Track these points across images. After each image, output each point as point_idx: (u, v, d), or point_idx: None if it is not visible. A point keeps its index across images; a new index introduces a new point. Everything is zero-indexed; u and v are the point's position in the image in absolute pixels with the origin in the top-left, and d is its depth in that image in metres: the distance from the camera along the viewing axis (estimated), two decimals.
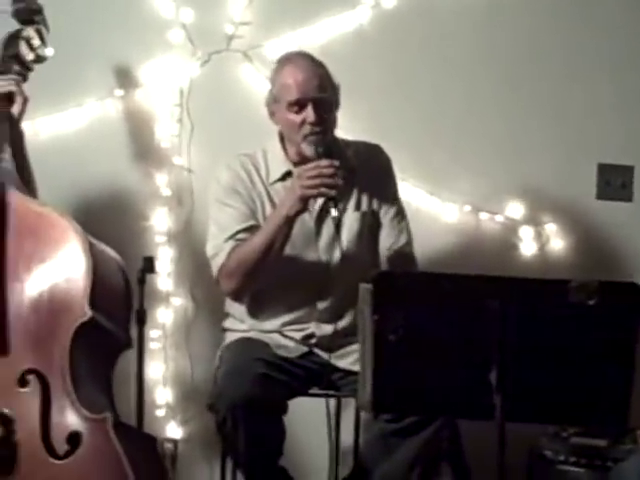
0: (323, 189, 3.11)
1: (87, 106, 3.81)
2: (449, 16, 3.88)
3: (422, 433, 3.07)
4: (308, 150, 3.21)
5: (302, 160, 3.25)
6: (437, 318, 2.50)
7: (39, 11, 3.40)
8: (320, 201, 3.26)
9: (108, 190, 3.83)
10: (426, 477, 3.12)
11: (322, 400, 3.26)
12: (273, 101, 3.29)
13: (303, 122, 3.22)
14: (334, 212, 3.14)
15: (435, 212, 3.89)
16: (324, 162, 3.13)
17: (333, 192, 3.12)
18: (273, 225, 3.17)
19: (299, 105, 3.22)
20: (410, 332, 2.47)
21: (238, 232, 3.24)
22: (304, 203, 3.15)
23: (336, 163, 3.13)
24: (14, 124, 3.24)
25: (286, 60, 3.31)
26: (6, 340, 2.97)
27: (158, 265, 3.50)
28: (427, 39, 3.89)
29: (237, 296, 3.29)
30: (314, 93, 3.22)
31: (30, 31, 3.35)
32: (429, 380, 2.51)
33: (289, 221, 3.16)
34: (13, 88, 3.22)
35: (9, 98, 3.22)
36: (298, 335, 3.28)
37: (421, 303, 2.50)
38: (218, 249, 3.25)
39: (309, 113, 3.21)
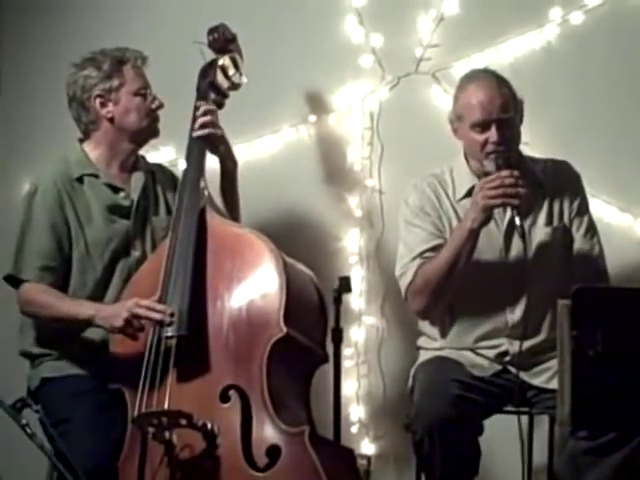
0: (505, 198, 3.13)
1: (282, 132, 3.94)
2: (637, 31, 3.83)
3: (618, 453, 3.03)
4: (489, 166, 3.23)
5: (484, 175, 3.25)
6: (636, 333, 2.47)
7: (233, 40, 3.53)
8: (508, 215, 3.26)
9: (302, 212, 3.93)
10: None
11: (515, 418, 3.24)
12: (456, 118, 3.32)
13: (486, 142, 3.24)
14: (518, 221, 3.14)
15: (627, 228, 3.84)
16: (504, 173, 3.15)
17: (515, 201, 3.13)
18: (458, 240, 3.19)
19: (482, 126, 3.24)
20: (609, 348, 2.46)
21: (425, 251, 3.27)
22: (487, 214, 3.17)
23: (516, 173, 3.14)
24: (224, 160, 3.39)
25: (470, 78, 3.33)
26: (208, 357, 3.07)
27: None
28: (614, 54, 3.85)
29: (426, 314, 3.32)
30: (497, 114, 3.23)
31: (225, 60, 3.48)
32: (628, 396, 2.48)
33: (474, 234, 3.17)
34: (206, 133, 3.34)
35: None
36: (492, 353, 3.28)
37: (620, 319, 2.48)
38: (405, 268, 3.29)
39: (492, 134, 3.22)
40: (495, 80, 3.30)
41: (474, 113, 3.24)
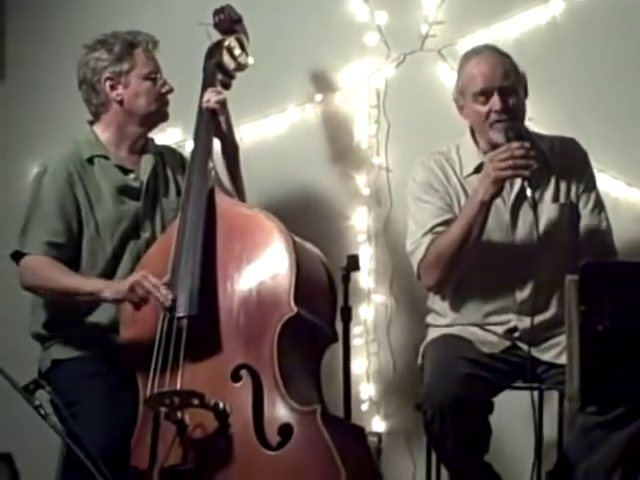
0: (516, 170, 3.13)
1: (288, 112, 3.94)
2: None
3: (628, 427, 3.05)
4: (497, 137, 3.24)
5: (493, 149, 3.26)
6: None
7: (239, 21, 3.54)
8: (515, 191, 3.27)
9: (310, 191, 3.94)
10: (630, 473, 3.09)
11: (524, 394, 3.25)
12: (460, 94, 3.33)
13: (490, 112, 3.25)
14: (529, 192, 3.15)
15: (634, 202, 3.83)
16: (515, 144, 3.15)
17: (526, 172, 3.13)
18: (469, 212, 3.20)
19: (485, 95, 3.25)
20: (617, 322, 2.46)
21: (435, 226, 3.28)
22: (498, 186, 3.17)
23: (527, 144, 3.14)
24: (225, 136, 3.38)
25: (471, 54, 3.35)
26: (219, 337, 3.09)
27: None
28: (620, 29, 3.84)
29: (439, 289, 3.33)
30: (499, 82, 3.24)
31: (231, 40, 3.49)
32: (637, 371, 2.49)
33: (485, 206, 3.18)
34: (216, 106, 3.35)
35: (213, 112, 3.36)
36: (500, 329, 3.29)
37: (628, 293, 2.48)
38: (417, 244, 3.29)
39: (495, 101, 3.23)
40: (495, 52, 3.33)
41: (476, 83, 3.26)
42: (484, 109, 3.25)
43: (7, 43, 4.15)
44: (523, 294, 3.28)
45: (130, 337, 3.18)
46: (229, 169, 3.42)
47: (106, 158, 3.35)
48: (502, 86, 3.24)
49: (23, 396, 2.76)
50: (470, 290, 3.31)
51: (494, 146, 3.24)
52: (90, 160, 3.34)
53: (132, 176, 3.37)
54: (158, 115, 3.39)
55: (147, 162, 3.40)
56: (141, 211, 3.35)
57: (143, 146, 3.42)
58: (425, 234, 3.28)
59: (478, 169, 3.31)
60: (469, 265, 3.25)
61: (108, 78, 3.34)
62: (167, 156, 3.48)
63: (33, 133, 4.05)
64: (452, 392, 3.06)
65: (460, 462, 3.20)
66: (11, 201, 3.93)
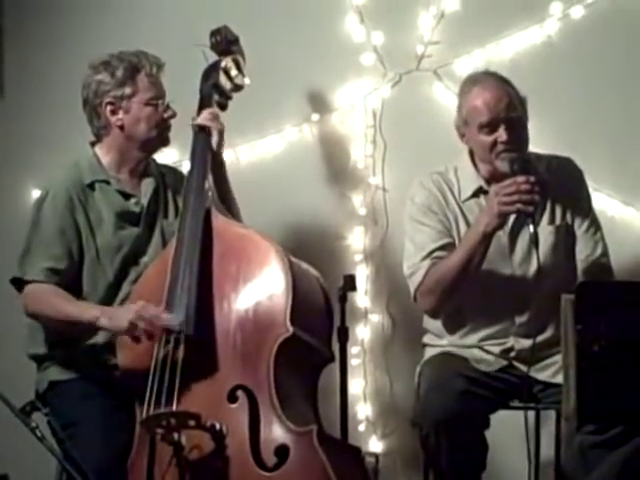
0: (521, 205, 3.13)
1: (285, 132, 3.95)
2: (637, 25, 3.83)
3: (625, 446, 3.04)
4: (503, 166, 3.23)
5: (495, 177, 3.27)
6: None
7: (235, 42, 3.54)
8: (513, 216, 3.27)
9: (306, 211, 3.95)
10: None
11: (521, 413, 3.25)
12: (463, 124, 3.31)
13: (495, 143, 3.24)
14: (531, 229, 3.15)
15: (630, 221, 3.84)
16: (521, 178, 3.14)
17: (531, 208, 3.14)
18: (471, 243, 3.20)
19: (490, 127, 3.24)
20: (613, 341, 2.47)
21: (434, 250, 3.28)
22: (502, 220, 3.17)
23: (532, 179, 3.14)
24: (214, 155, 3.38)
25: (473, 81, 3.33)
26: (216, 358, 3.08)
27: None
28: (615, 48, 3.85)
29: (436, 313, 3.33)
30: (505, 113, 3.23)
31: (228, 61, 3.49)
32: (634, 390, 2.49)
33: (487, 238, 3.18)
34: (209, 123, 3.35)
35: (207, 130, 3.36)
36: (497, 349, 3.29)
37: (624, 312, 2.49)
38: (415, 268, 3.29)
39: (501, 133, 3.23)
40: (498, 80, 3.31)
41: (481, 114, 3.24)
42: (489, 139, 3.24)
43: (5, 61, 4.16)
44: (522, 318, 3.29)
45: (126, 358, 3.17)
46: (218, 186, 3.41)
47: (107, 183, 3.34)
48: (508, 117, 3.23)
49: (20, 418, 2.76)
50: (468, 315, 3.32)
51: (498, 175, 3.24)
52: (91, 185, 3.33)
53: (133, 201, 3.36)
54: (159, 140, 3.38)
55: (148, 185, 3.39)
56: (140, 236, 3.34)
57: (145, 169, 3.42)
58: (424, 258, 3.28)
59: (476, 193, 3.32)
60: (468, 291, 3.25)
61: (109, 103, 3.33)
62: (168, 177, 3.48)
63: (31, 152, 4.05)
64: (448, 408, 3.07)
65: (457, 479, 3.19)
66: (8, 222, 3.92)
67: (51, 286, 3.23)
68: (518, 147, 3.25)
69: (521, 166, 3.19)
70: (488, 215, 3.18)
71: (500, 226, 3.19)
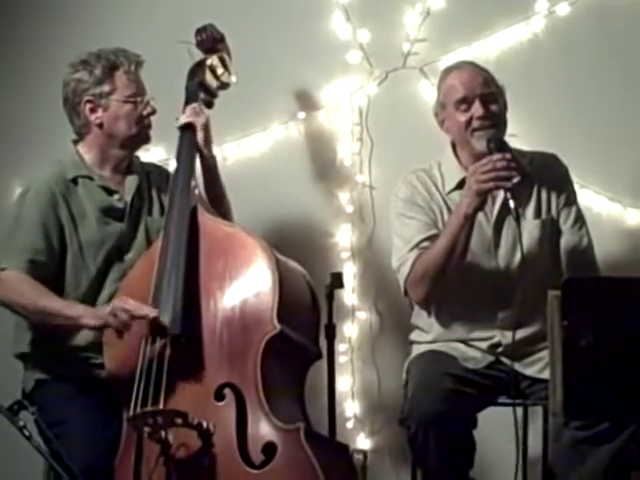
0: (498, 181, 3.14)
1: (271, 130, 3.95)
2: (624, 22, 3.84)
3: (614, 441, 3.05)
4: (479, 144, 3.25)
5: (475, 161, 3.26)
6: (626, 323, 2.49)
7: (221, 39, 3.54)
8: (497, 206, 3.29)
9: (293, 209, 3.95)
10: None
11: (509, 409, 3.25)
12: (441, 108, 3.35)
13: (471, 119, 3.26)
14: (512, 203, 3.15)
15: (616, 218, 3.85)
16: (496, 156, 3.16)
17: (509, 183, 3.14)
18: (454, 226, 3.21)
19: (466, 102, 3.27)
20: (600, 337, 2.47)
21: (421, 241, 3.29)
22: (481, 198, 3.18)
23: (508, 156, 3.15)
24: (201, 151, 3.38)
25: (449, 68, 3.40)
26: (202, 356, 3.08)
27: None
28: (601, 45, 3.87)
29: (427, 303, 3.33)
30: (480, 89, 3.27)
31: (214, 59, 3.49)
32: (620, 385, 2.50)
33: (469, 219, 3.19)
34: (191, 119, 3.35)
35: (192, 128, 3.36)
36: (484, 345, 3.30)
37: (610, 308, 2.49)
38: (403, 260, 3.30)
39: (476, 107, 3.25)
40: (474, 65, 3.37)
41: (457, 92, 3.28)
42: (465, 117, 3.27)
43: None
44: (504, 312, 3.29)
45: (113, 357, 3.17)
46: (208, 186, 3.41)
47: (90, 179, 3.34)
48: (483, 93, 3.27)
49: (7, 417, 2.75)
50: (454, 306, 3.32)
51: (476, 158, 3.25)
52: (74, 180, 3.33)
53: (116, 197, 3.36)
54: (139, 138, 3.38)
55: (131, 182, 3.39)
56: (125, 232, 3.34)
57: (128, 166, 3.41)
58: (411, 249, 3.29)
59: (460, 185, 3.32)
60: (453, 281, 3.25)
61: (88, 101, 3.32)
62: (153, 175, 3.47)
63: (16, 152, 4.04)
64: (435, 407, 3.07)
65: (444, 477, 3.20)
66: None
67: (27, 276, 3.19)
68: (494, 122, 3.26)
69: (497, 144, 3.21)
70: (468, 196, 3.18)
71: (480, 206, 3.19)
